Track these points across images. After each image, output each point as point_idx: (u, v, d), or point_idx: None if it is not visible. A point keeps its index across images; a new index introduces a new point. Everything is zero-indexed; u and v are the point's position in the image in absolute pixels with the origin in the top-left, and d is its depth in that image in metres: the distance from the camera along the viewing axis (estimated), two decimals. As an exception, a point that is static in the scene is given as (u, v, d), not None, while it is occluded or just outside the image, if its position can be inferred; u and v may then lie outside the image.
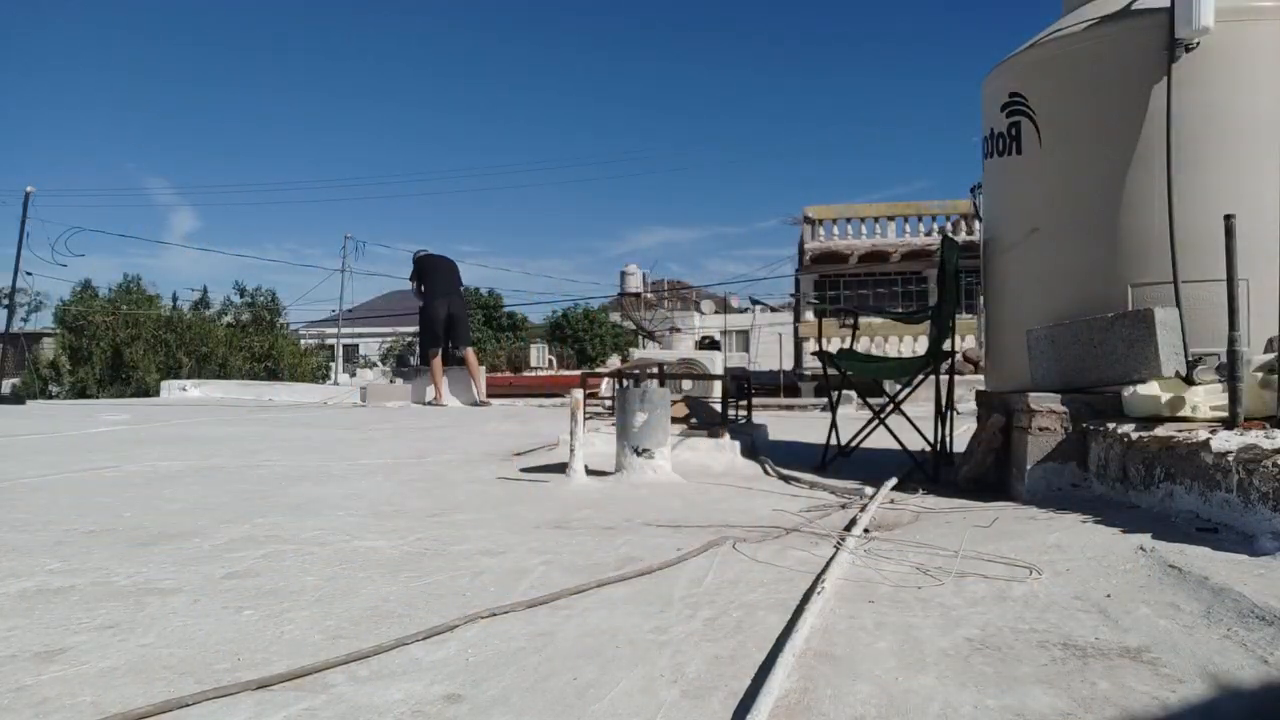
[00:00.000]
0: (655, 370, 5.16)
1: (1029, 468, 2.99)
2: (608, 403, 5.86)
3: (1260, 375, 2.61)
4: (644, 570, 2.05)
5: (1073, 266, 3.37)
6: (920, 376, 4.20)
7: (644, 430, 3.66)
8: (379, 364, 28.43)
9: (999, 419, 3.29)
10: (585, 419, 3.80)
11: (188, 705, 1.26)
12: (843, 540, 2.36)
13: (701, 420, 4.47)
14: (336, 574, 2.04)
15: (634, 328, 37.94)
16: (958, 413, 4.46)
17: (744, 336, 39.47)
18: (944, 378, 4.17)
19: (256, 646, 1.52)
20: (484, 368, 13.32)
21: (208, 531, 2.53)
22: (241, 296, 28.84)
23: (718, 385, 5.28)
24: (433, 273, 10.87)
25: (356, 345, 46.27)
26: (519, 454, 4.69)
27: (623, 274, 43.55)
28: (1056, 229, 3.42)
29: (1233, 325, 2.46)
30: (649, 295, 43.52)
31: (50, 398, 22.08)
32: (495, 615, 1.69)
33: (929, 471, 3.82)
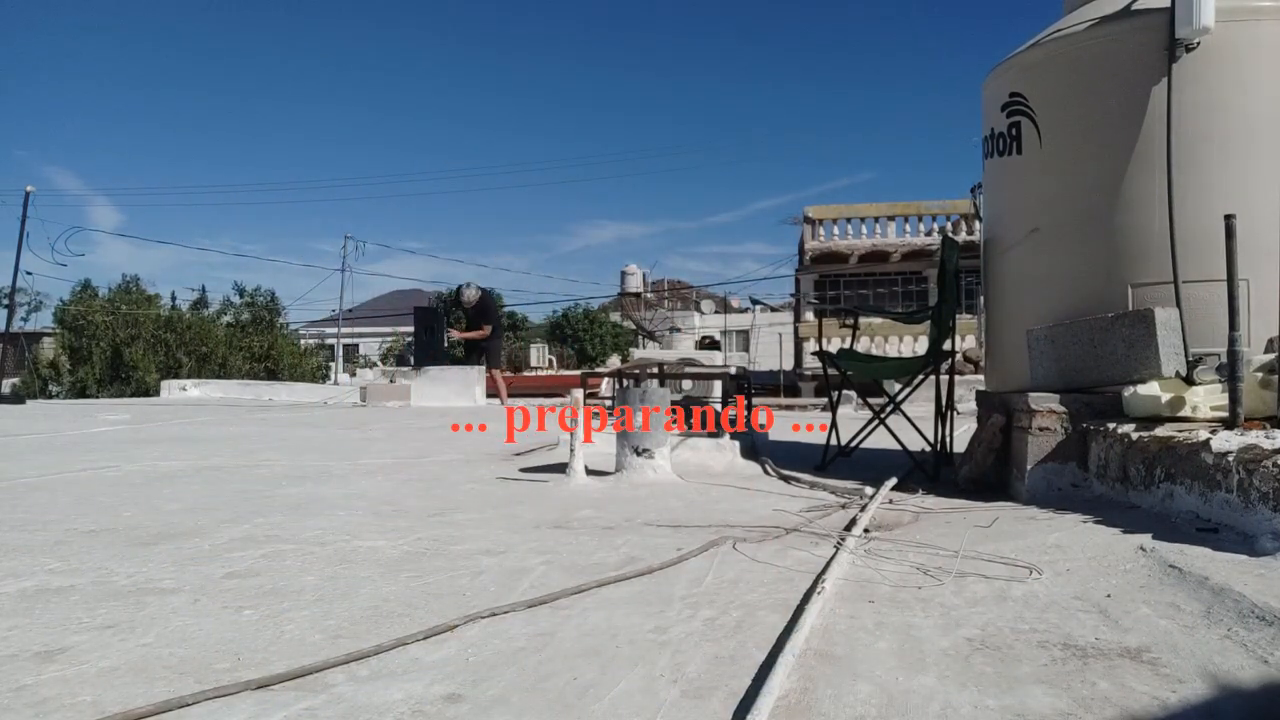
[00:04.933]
0: (655, 370, 5.16)
1: (1029, 468, 2.99)
2: (608, 403, 5.86)
3: (1260, 375, 2.61)
4: (644, 570, 2.05)
5: (1073, 266, 3.37)
6: (920, 376, 4.20)
7: (644, 430, 3.66)
8: (379, 364, 28.42)
9: (999, 419, 3.29)
10: (585, 419, 3.79)
11: (188, 705, 1.26)
12: (843, 540, 2.36)
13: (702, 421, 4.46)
14: (337, 574, 2.04)
15: (634, 328, 37.94)
16: (958, 413, 4.46)
17: (744, 336, 39.47)
18: (944, 378, 4.17)
19: (256, 646, 1.52)
20: (482, 367, 13.36)
21: (208, 531, 2.53)
22: (241, 296, 28.85)
23: (718, 385, 5.29)
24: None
25: (356, 345, 46.29)
26: (519, 454, 4.69)
27: (623, 274, 43.57)
28: (1056, 229, 3.42)
29: (1233, 325, 2.46)
30: (649, 295, 43.52)
31: (50, 397, 22.08)
32: (495, 615, 1.69)
33: (929, 471, 3.82)
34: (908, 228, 26.19)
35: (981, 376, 4.42)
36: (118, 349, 24.57)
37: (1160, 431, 2.55)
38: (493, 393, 11.54)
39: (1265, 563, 1.91)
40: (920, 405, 4.48)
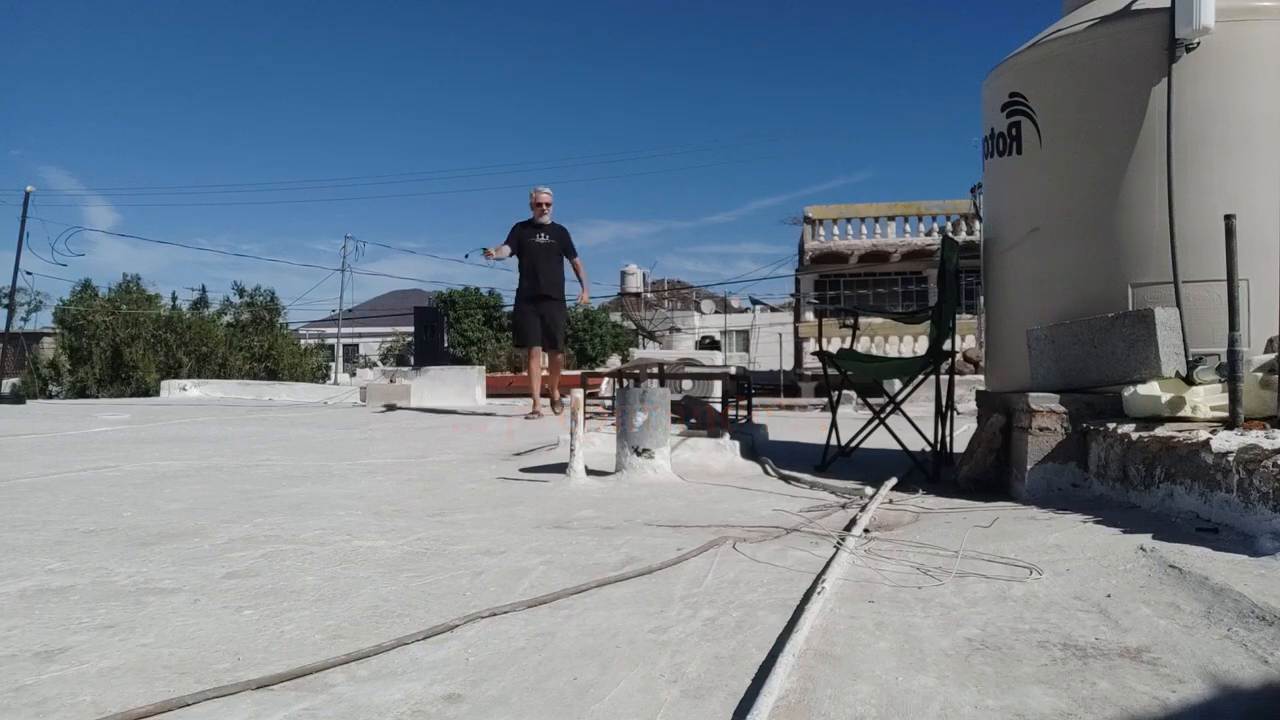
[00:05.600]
0: (655, 370, 5.16)
1: (1029, 468, 2.99)
2: (608, 403, 5.86)
3: (1260, 375, 2.61)
4: (644, 570, 2.05)
5: (1073, 266, 3.37)
6: (920, 376, 4.20)
7: (644, 430, 3.66)
8: (379, 364, 28.47)
9: (999, 419, 3.29)
10: (585, 419, 3.79)
11: (188, 705, 1.26)
12: (843, 540, 2.36)
13: (701, 421, 4.46)
14: (336, 574, 2.04)
15: (634, 328, 37.93)
16: (958, 413, 4.46)
17: (744, 336, 39.48)
18: (944, 378, 4.17)
19: (256, 646, 1.52)
20: (482, 367, 13.19)
21: (208, 531, 2.53)
22: (241, 296, 28.88)
23: (718, 385, 5.28)
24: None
25: (356, 345, 46.31)
26: (519, 454, 4.69)
27: (623, 274, 43.59)
28: (1056, 229, 3.42)
29: (1233, 325, 2.46)
30: (649, 295, 43.53)
31: (50, 397, 22.08)
32: (495, 615, 1.69)
33: (929, 471, 3.82)
34: (908, 228, 26.19)
35: (981, 376, 4.42)
36: (118, 349, 24.59)
37: (1160, 431, 2.55)
38: (540, 391, 7.89)
39: (1265, 563, 1.91)
40: (920, 405, 4.48)
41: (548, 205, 7.76)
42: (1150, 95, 3.17)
